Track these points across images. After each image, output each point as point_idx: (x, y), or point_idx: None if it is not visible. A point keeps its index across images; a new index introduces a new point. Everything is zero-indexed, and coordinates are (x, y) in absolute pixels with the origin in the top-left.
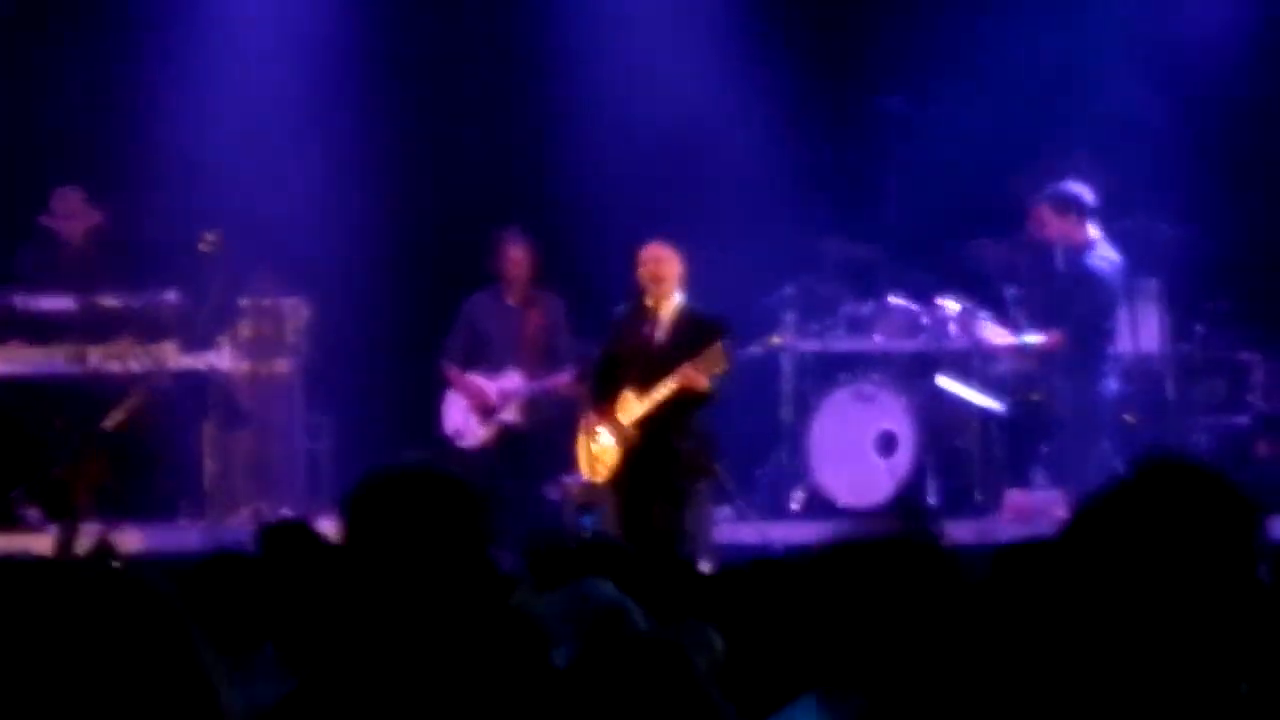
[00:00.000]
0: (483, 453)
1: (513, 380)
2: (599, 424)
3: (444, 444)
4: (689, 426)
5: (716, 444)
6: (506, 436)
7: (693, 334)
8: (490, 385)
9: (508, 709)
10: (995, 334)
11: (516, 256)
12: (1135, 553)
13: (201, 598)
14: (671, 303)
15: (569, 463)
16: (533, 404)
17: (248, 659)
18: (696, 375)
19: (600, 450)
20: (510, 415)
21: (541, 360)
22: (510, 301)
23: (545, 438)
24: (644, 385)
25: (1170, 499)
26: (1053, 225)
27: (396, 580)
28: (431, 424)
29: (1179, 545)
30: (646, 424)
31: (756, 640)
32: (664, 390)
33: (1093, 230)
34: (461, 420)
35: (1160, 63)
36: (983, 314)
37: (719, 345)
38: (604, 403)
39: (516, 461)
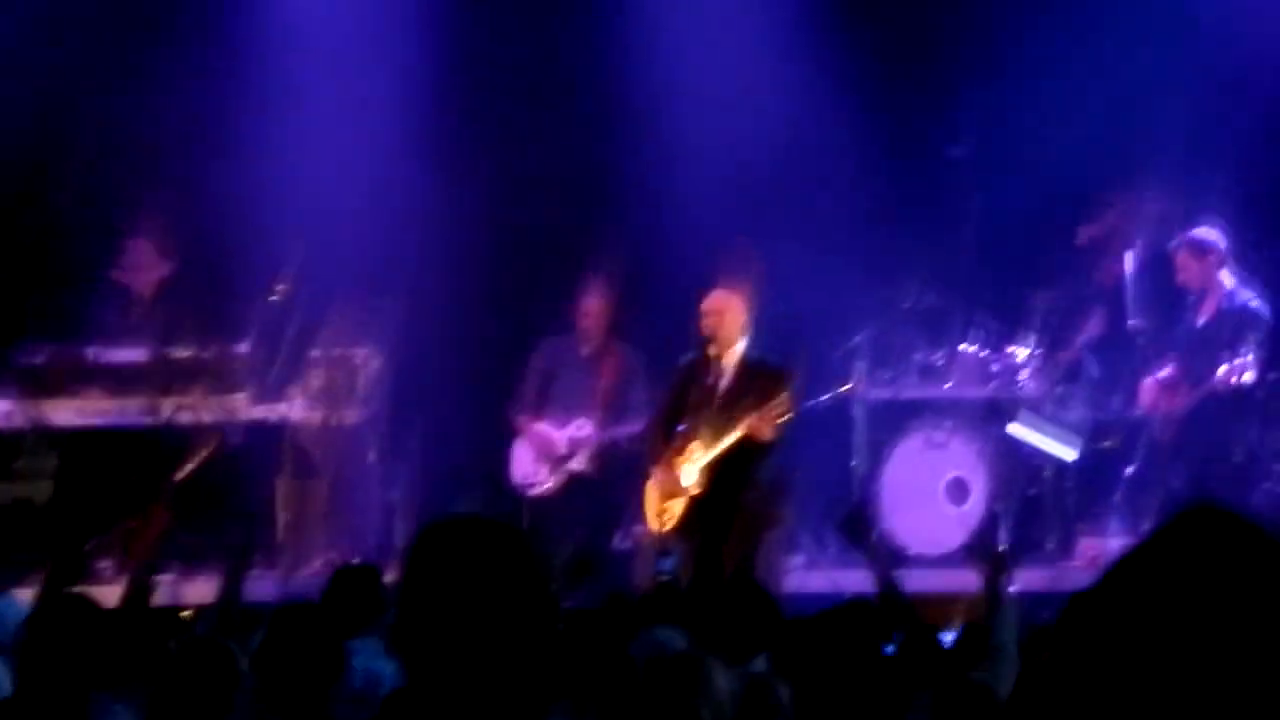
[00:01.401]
0: (552, 502)
1: (583, 429)
2: (664, 474)
3: (513, 492)
4: (755, 475)
5: (786, 491)
6: (575, 485)
7: (757, 382)
8: (560, 434)
9: None
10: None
11: (594, 308)
12: (1165, 606)
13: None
14: (736, 349)
15: (639, 513)
16: (603, 453)
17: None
18: (762, 424)
19: (666, 501)
20: (579, 464)
21: (614, 411)
22: (584, 350)
23: (616, 488)
24: (709, 435)
25: (1204, 551)
26: (1191, 270)
27: (449, 628)
28: (503, 472)
29: (1211, 599)
30: (712, 474)
31: (825, 686)
32: (729, 440)
33: (1227, 276)
34: (530, 468)
35: (1229, 92)
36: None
37: (784, 394)
38: (668, 453)
39: (586, 511)
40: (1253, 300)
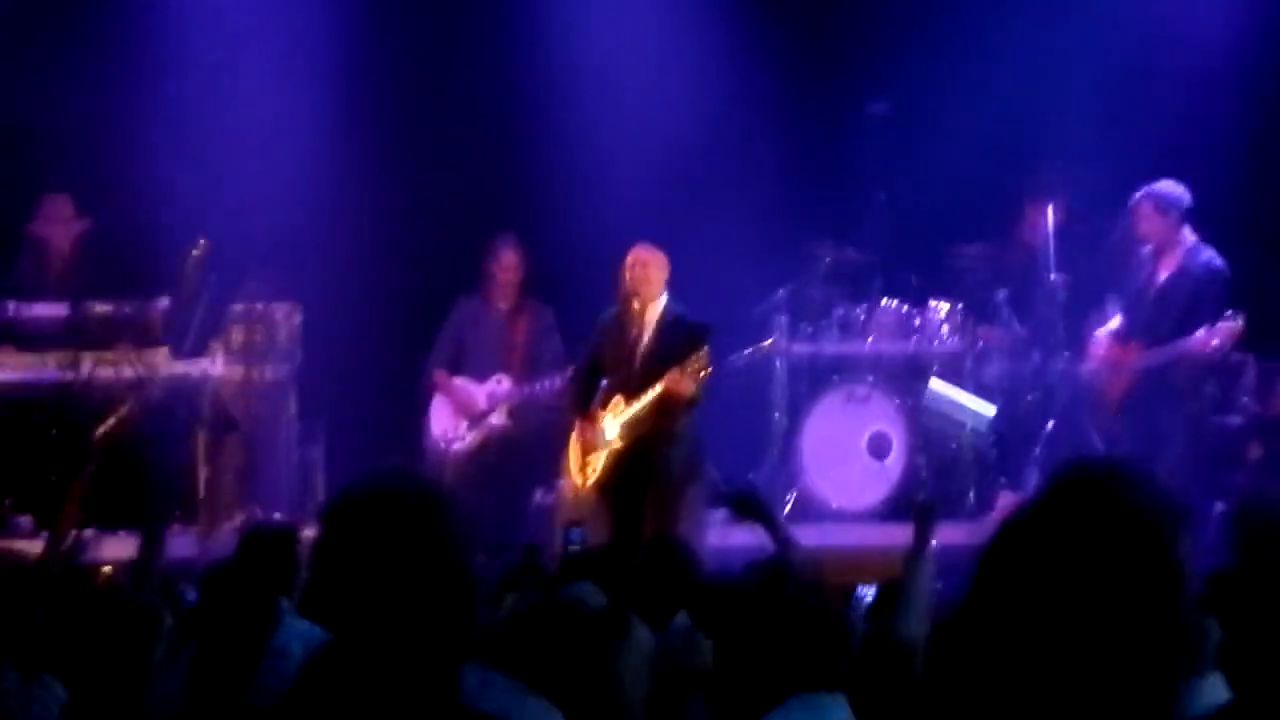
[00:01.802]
0: (471, 457)
1: (501, 385)
2: (586, 429)
3: (431, 449)
4: (676, 431)
5: (705, 447)
6: (495, 441)
7: (678, 338)
8: (478, 389)
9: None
10: (987, 335)
11: (509, 262)
12: (1051, 565)
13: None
14: (657, 306)
15: (560, 468)
16: (521, 409)
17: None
18: (682, 380)
19: (588, 456)
20: (498, 419)
21: (529, 367)
22: (499, 307)
23: (534, 443)
24: (630, 390)
25: (1086, 507)
26: (1154, 223)
27: (367, 590)
28: (422, 428)
29: (1095, 555)
30: (633, 429)
31: (747, 644)
32: (650, 396)
33: (1189, 233)
34: (449, 424)
35: (1148, 57)
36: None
37: (704, 350)
38: (589, 407)
39: (505, 466)
40: (1215, 259)
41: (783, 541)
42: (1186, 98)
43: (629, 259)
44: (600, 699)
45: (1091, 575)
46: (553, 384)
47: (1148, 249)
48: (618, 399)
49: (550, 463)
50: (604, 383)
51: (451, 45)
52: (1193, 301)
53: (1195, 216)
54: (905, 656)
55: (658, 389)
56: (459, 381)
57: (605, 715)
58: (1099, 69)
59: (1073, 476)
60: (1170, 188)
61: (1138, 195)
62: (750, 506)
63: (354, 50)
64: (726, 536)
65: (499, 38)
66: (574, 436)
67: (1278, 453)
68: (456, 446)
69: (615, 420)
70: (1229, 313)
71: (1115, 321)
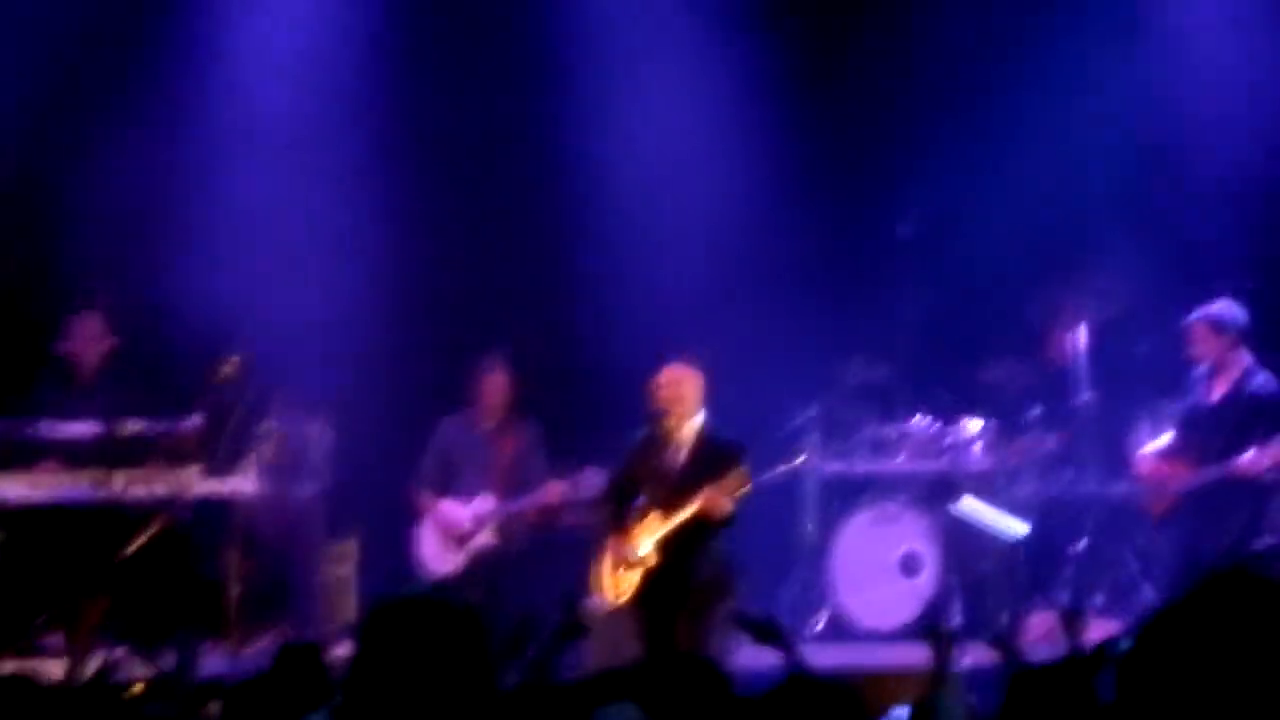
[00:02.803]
0: (460, 578)
1: (486, 504)
2: (618, 546)
3: (421, 574)
4: (709, 550)
5: (737, 567)
6: (485, 562)
7: (713, 456)
8: (463, 511)
9: None
10: (1020, 449)
11: (499, 384)
12: (1201, 669)
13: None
14: (692, 425)
15: (548, 585)
16: (507, 526)
17: None
18: (719, 498)
19: (620, 572)
20: (485, 538)
21: (515, 486)
22: (484, 426)
23: (521, 561)
24: (664, 507)
25: (1236, 613)
26: (1209, 344)
27: (405, 706)
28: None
29: (1246, 661)
30: (667, 546)
31: None
32: (686, 513)
33: (1245, 354)
34: (437, 547)
35: (1178, 165)
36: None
37: (742, 469)
38: (622, 525)
39: (495, 586)
40: (1271, 381)
41: (795, 668)
42: (1219, 206)
43: (661, 378)
44: None
45: (1250, 670)
46: (536, 499)
47: (1202, 368)
48: (652, 515)
49: (550, 582)
50: (638, 500)
51: (484, 148)
52: (1247, 423)
53: (1252, 337)
54: None
55: (694, 506)
56: (444, 504)
57: None
58: (1126, 182)
59: (1222, 576)
60: (1225, 308)
61: (1192, 316)
62: (768, 632)
63: (382, 161)
64: (754, 659)
65: (531, 145)
66: (606, 554)
67: None
68: (444, 569)
69: (649, 537)
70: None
71: (1165, 439)
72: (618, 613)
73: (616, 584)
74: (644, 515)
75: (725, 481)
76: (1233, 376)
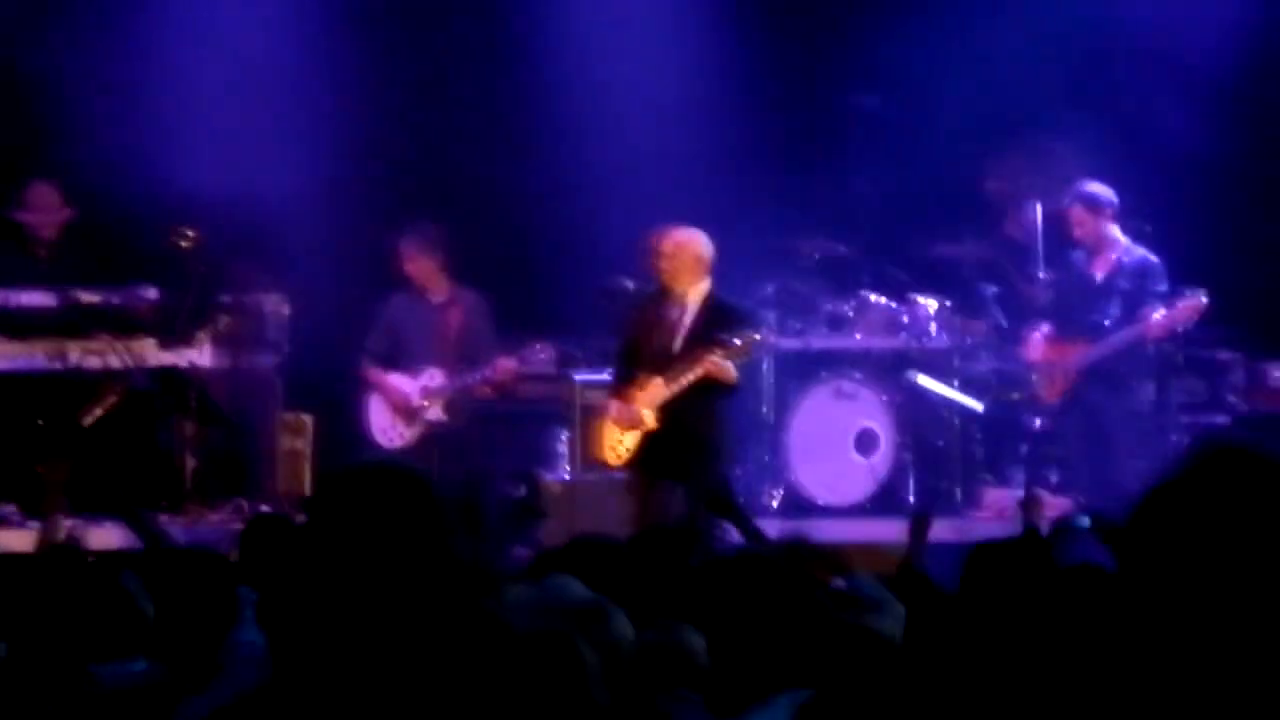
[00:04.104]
0: (410, 452)
1: (434, 379)
2: (621, 408)
3: (371, 447)
4: (711, 414)
5: (735, 433)
6: (433, 435)
7: (720, 321)
8: (411, 384)
9: (473, 706)
10: (974, 330)
11: (407, 255)
12: (1201, 542)
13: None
14: (699, 289)
15: (500, 461)
16: (456, 402)
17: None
18: (722, 363)
19: (621, 435)
20: (434, 414)
21: (463, 358)
22: (430, 301)
23: (474, 436)
24: (667, 372)
25: (1236, 485)
26: (1087, 225)
27: (357, 577)
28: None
29: (1245, 534)
30: (667, 410)
31: (739, 637)
32: (689, 377)
33: (1118, 231)
34: (386, 421)
35: (1132, 52)
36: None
37: (749, 334)
38: (624, 386)
39: (445, 461)
40: (1149, 255)
41: (752, 536)
42: (1171, 84)
43: (651, 246)
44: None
45: (1251, 541)
46: (485, 374)
47: (1078, 252)
48: (655, 380)
49: (498, 454)
50: (639, 363)
51: (446, 35)
52: (1136, 291)
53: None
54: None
55: (698, 370)
56: (392, 377)
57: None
58: (1087, 63)
59: (1219, 447)
60: (1098, 188)
61: (1067, 198)
62: (721, 504)
63: (346, 40)
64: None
65: (492, 29)
66: (609, 415)
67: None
68: (395, 443)
69: (651, 401)
70: (1187, 290)
71: (1043, 326)
72: (574, 485)
73: (615, 447)
74: (646, 378)
75: (730, 346)
76: (1113, 253)
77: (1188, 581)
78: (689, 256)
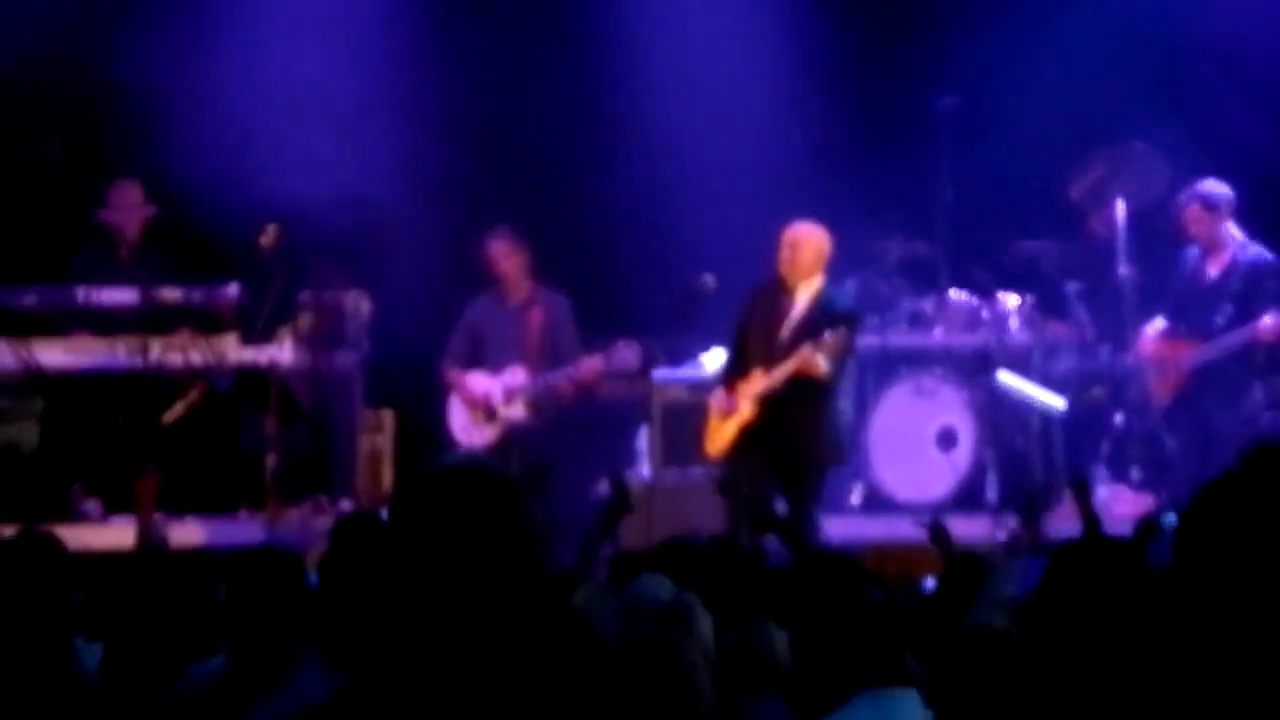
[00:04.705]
0: (490, 451)
1: (516, 377)
2: (722, 398)
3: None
4: (812, 411)
5: (842, 433)
6: (516, 435)
7: (825, 319)
8: (493, 383)
9: (557, 708)
10: (1056, 329)
11: (500, 253)
12: (1249, 539)
13: (250, 591)
14: (810, 285)
15: (582, 460)
16: (539, 400)
17: (294, 655)
18: (814, 357)
19: (721, 425)
20: (516, 412)
21: (545, 358)
22: (511, 301)
23: (557, 434)
24: (771, 364)
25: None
26: (1203, 223)
27: (441, 580)
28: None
29: None
30: (765, 403)
31: (823, 636)
32: (782, 370)
33: (1235, 229)
34: (467, 420)
35: (1213, 54)
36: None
37: (841, 330)
38: (733, 376)
39: (525, 459)
40: (1265, 253)
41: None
42: (1254, 89)
43: (783, 237)
44: (668, 686)
45: None
46: (569, 373)
47: (1192, 250)
48: (757, 372)
49: (579, 454)
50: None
51: (528, 36)
52: (1249, 293)
53: (1241, 215)
54: (995, 645)
55: (790, 365)
56: (472, 377)
57: (672, 706)
58: (1170, 65)
59: (1270, 448)
60: (1215, 186)
61: (1183, 196)
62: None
63: (430, 42)
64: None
65: (576, 30)
66: (713, 403)
67: None
68: (475, 442)
69: (750, 392)
70: None
71: (1159, 322)
72: (653, 485)
73: (716, 437)
74: (752, 369)
75: (823, 341)
76: (1228, 252)
77: (1235, 577)
78: (811, 250)
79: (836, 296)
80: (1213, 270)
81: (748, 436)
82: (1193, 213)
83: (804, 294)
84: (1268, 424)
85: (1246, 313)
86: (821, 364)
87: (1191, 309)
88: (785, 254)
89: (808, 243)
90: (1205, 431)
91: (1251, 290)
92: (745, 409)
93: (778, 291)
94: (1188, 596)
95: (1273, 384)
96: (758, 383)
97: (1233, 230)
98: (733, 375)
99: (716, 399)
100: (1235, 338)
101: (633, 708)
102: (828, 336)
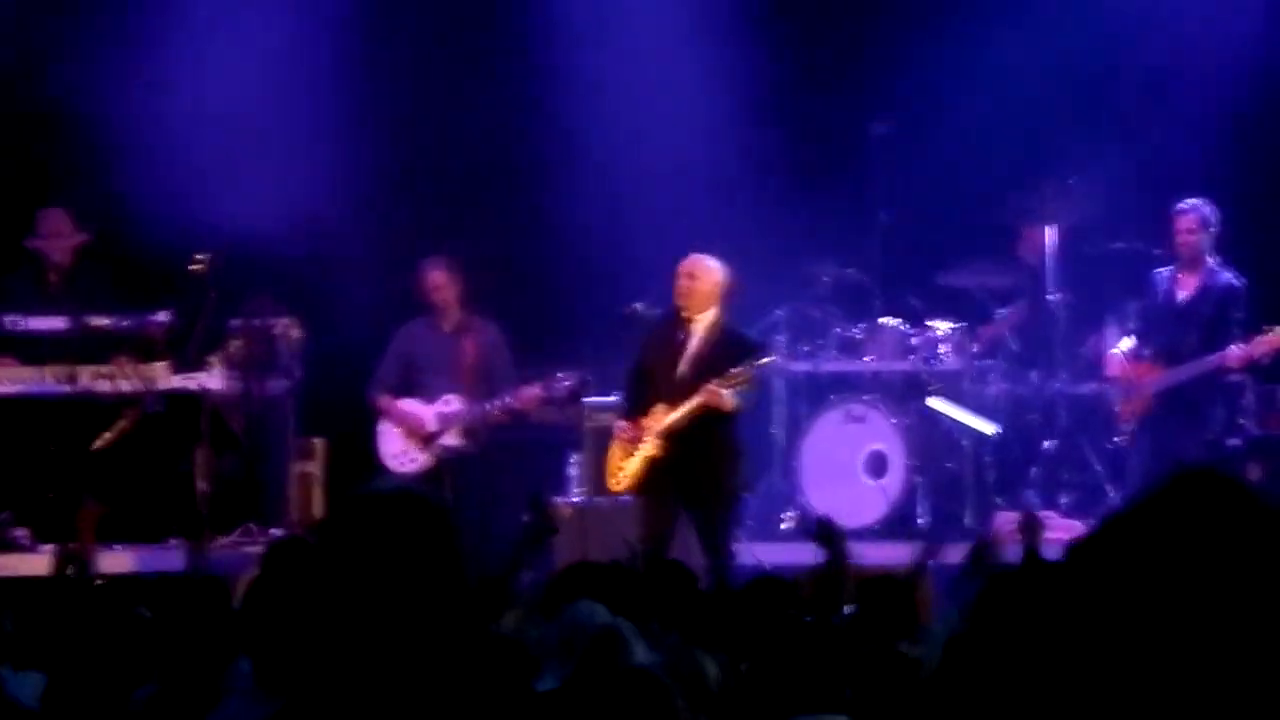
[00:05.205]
0: (423, 477)
1: (450, 405)
2: (625, 432)
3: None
4: (715, 444)
5: (742, 463)
6: (450, 462)
7: (726, 351)
8: (426, 410)
9: None
10: (983, 335)
11: (437, 281)
12: (1159, 568)
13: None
14: (705, 318)
15: (514, 487)
16: (475, 428)
17: (222, 678)
18: (720, 392)
19: (624, 460)
20: (452, 440)
21: (480, 385)
22: (445, 328)
23: (493, 462)
24: (672, 398)
25: (1200, 513)
26: (1195, 237)
27: (370, 603)
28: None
29: (1207, 562)
30: (671, 437)
31: (755, 658)
32: (688, 406)
33: (1212, 255)
34: (399, 447)
35: (1149, 79)
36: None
37: (749, 365)
38: (634, 413)
39: (458, 485)
40: (1235, 279)
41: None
42: (1185, 116)
43: (681, 266)
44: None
45: (1204, 576)
46: (507, 401)
47: (1164, 271)
48: (659, 406)
49: (512, 481)
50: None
51: (462, 64)
52: (1219, 318)
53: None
54: (914, 673)
55: (698, 400)
56: (405, 404)
57: None
58: (1099, 90)
59: (1188, 476)
60: (1211, 208)
61: (1186, 206)
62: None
63: (360, 68)
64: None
65: (509, 55)
66: (615, 439)
67: (1278, 472)
68: (408, 467)
69: (654, 427)
70: (1267, 327)
71: (1127, 342)
72: (585, 509)
73: (616, 472)
74: (653, 404)
75: (729, 375)
76: (1200, 275)
77: (1135, 606)
78: (710, 281)
79: (735, 327)
80: (1183, 293)
81: (655, 471)
82: (1188, 223)
83: (699, 326)
84: (1229, 450)
85: (1215, 337)
86: (729, 400)
87: (1160, 331)
88: (683, 284)
89: (706, 274)
90: (1168, 454)
91: (1221, 315)
92: (651, 443)
93: (674, 325)
94: (1078, 619)
95: (1237, 410)
96: (661, 418)
97: (1210, 254)
98: (634, 409)
99: (621, 432)
100: (1203, 364)
101: None
102: (736, 370)
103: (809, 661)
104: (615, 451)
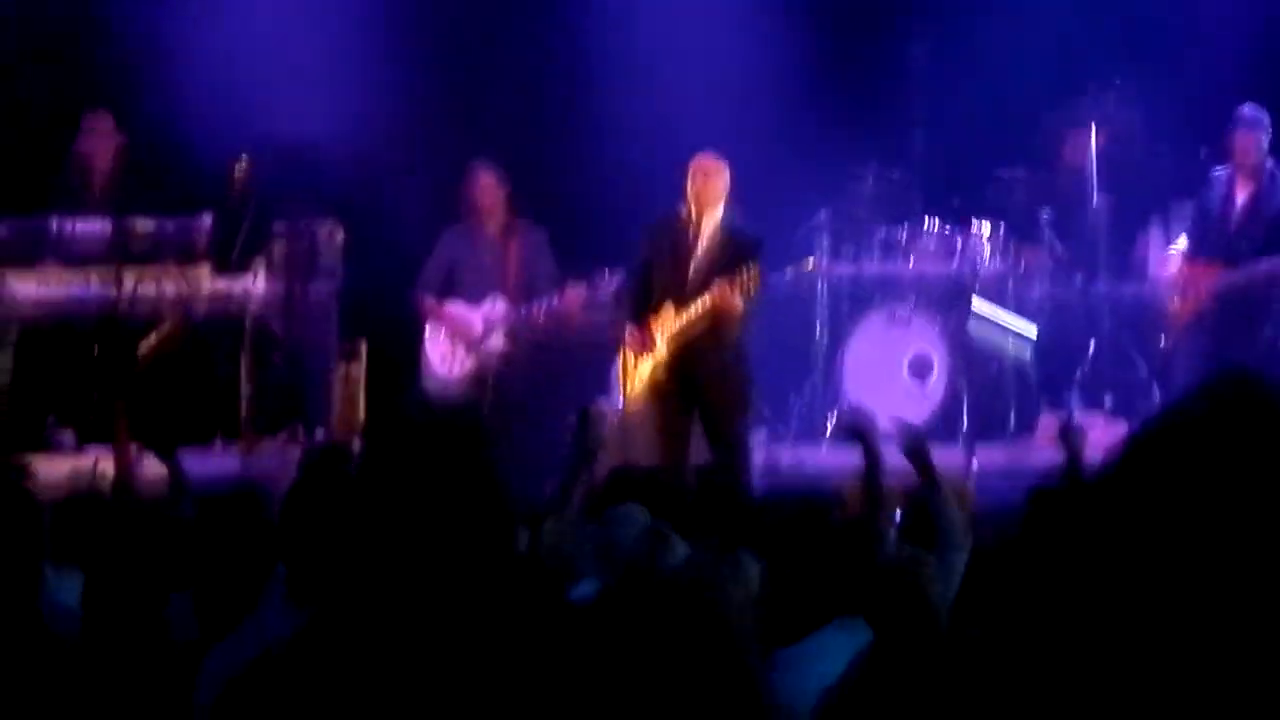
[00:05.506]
0: (470, 381)
1: (496, 307)
2: (635, 335)
3: (432, 379)
4: (724, 345)
5: (750, 366)
6: (494, 365)
7: (732, 251)
8: (473, 313)
9: (518, 647)
10: (1030, 257)
11: (486, 184)
12: (1197, 480)
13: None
14: (714, 216)
15: (556, 392)
16: (518, 331)
17: (258, 591)
18: (729, 295)
19: (635, 364)
20: (496, 342)
21: (524, 288)
22: (488, 231)
23: (536, 365)
24: (681, 299)
25: (1241, 423)
26: (1260, 143)
27: (405, 515)
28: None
29: (1246, 475)
30: (680, 339)
31: (794, 566)
32: (697, 307)
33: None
34: (445, 349)
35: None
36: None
37: (754, 265)
38: (642, 311)
39: (503, 389)
40: None
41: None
42: (1234, 27)
43: (691, 167)
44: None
45: (1245, 489)
46: (549, 304)
47: (1221, 171)
48: (668, 307)
49: (557, 384)
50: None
51: None
52: (1276, 224)
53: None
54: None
55: (704, 301)
56: (451, 306)
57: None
58: (1139, 4)
59: (1233, 381)
60: (1266, 115)
61: (1247, 112)
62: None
63: None
64: (769, 455)
65: None
66: (626, 342)
67: None
68: (455, 372)
69: (663, 329)
70: None
71: (1183, 241)
72: (632, 413)
73: (630, 375)
74: (660, 305)
75: (738, 277)
76: (1258, 179)
77: (1171, 516)
78: (723, 180)
79: (740, 226)
80: (1241, 196)
81: (663, 372)
82: (1241, 136)
83: (707, 225)
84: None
85: (1274, 241)
86: (738, 300)
87: (1219, 233)
88: (698, 182)
89: (720, 172)
90: (1220, 357)
91: (1277, 219)
92: (661, 348)
93: (682, 224)
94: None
95: None
96: (671, 319)
97: (1269, 159)
98: (641, 310)
99: (632, 336)
100: (1265, 265)
101: (669, 652)
102: (743, 273)
103: (847, 567)
104: (625, 355)
